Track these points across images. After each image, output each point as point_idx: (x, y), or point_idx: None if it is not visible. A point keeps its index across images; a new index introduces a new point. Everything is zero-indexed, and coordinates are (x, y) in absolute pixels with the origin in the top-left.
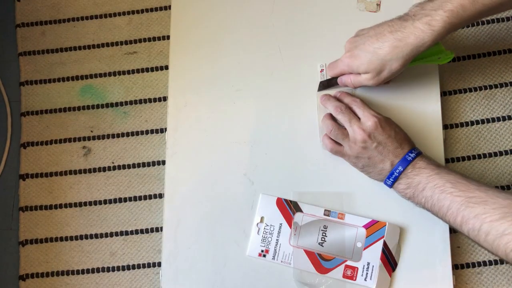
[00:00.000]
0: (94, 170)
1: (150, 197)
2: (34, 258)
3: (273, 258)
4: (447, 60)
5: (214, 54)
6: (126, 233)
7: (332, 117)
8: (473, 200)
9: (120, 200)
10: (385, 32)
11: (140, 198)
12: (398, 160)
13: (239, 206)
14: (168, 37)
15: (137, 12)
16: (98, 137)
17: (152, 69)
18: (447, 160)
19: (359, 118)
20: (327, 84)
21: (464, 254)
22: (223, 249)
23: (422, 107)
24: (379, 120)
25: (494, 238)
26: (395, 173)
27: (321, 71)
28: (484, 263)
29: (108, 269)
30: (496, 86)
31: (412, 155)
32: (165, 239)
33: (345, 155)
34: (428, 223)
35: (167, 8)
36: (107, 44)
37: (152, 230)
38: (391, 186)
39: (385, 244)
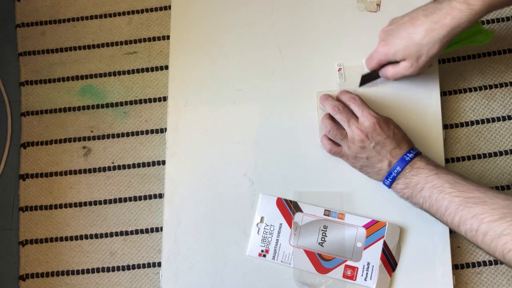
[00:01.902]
0: (94, 170)
1: (150, 197)
2: (34, 258)
3: (273, 258)
4: (488, 40)
5: (214, 54)
6: (126, 233)
7: (331, 117)
8: (472, 201)
9: (120, 200)
10: (420, 16)
11: (140, 198)
12: (396, 160)
13: (239, 206)
14: (168, 37)
15: (137, 12)
16: (98, 137)
17: (152, 69)
18: (447, 160)
19: (357, 117)
20: (368, 77)
21: (464, 254)
22: (223, 249)
23: (422, 107)
24: (378, 120)
25: (492, 238)
26: (393, 173)
27: (338, 70)
28: (484, 263)
29: (108, 269)
30: (496, 86)
31: (411, 155)
32: (165, 239)
33: (344, 156)
34: (428, 223)
35: (167, 8)
36: (107, 44)
37: (152, 230)
38: (389, 186)
39: (385, 244)
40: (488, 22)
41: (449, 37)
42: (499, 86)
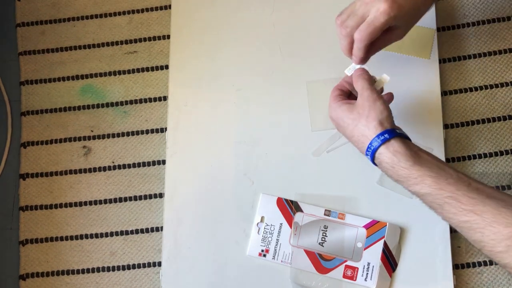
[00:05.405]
0: (94, 169)
1: (150, 196)
2: (34, 257)
3: (273, 258)
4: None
5: (214, 53)
6: (126, 232)
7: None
8: (467, 226)
9: (120, 199)
10: None
11: (140, 197)
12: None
13: (239, 206)
14: (168, 37)
15: (137, 11)
16: (98, 137)
17: (152, 69)
18: (447, 160)
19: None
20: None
21: (464, 254)
22: (223, 249)
23: (423, 107)
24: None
25: (498, 262)
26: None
27: None
28: (485, 263)
29: (108, 269)
30: (496, 86)
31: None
32: (165, 239)
33: None
34: (428, 223)
35: (167, 7)
36: (107, 44)
37: (152, 229)
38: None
39: (385, 244)
40: (488, 21)
41: None
42: (500, 85)
